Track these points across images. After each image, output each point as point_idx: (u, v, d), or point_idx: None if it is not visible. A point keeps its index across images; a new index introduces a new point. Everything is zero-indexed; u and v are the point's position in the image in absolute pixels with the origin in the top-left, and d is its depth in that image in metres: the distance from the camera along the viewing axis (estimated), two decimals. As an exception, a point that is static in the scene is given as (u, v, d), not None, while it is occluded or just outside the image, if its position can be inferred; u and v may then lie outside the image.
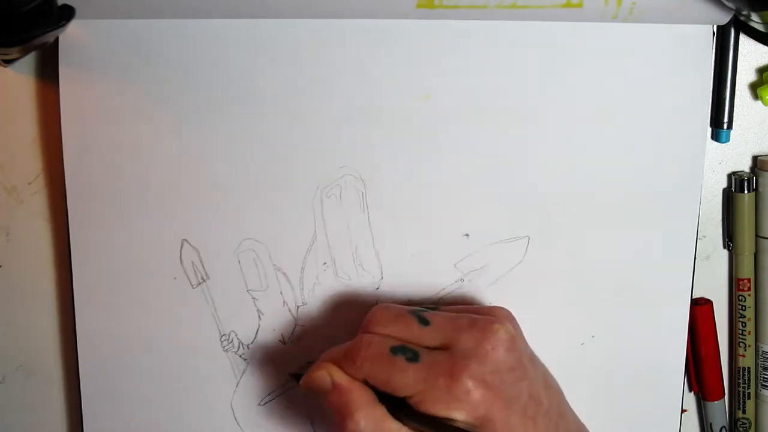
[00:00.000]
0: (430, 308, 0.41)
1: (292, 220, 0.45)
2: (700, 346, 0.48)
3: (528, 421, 0.38)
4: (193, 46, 0.43)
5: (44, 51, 0.44)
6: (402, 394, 0.37)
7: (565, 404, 0.41)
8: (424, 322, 0.39)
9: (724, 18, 0.41)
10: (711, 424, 0.50)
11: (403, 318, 0.39)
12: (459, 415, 0.36)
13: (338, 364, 0.38)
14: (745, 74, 0.46)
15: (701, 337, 0.48)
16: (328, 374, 0.38)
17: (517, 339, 0.39)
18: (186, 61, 0.44)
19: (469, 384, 0.36)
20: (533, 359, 0.40)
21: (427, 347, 0.38)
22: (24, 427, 0.48)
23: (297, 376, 0.41)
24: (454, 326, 0.38)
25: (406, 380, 0.37)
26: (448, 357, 0.37)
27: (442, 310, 0.40)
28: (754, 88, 0.46)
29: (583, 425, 0.42)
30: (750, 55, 0.46)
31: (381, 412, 0.37)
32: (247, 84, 0.44)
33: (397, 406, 0.37)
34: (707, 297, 0.49)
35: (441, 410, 0.36)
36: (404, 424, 0.37)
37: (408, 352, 0.37)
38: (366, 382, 0.38)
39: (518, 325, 0.40)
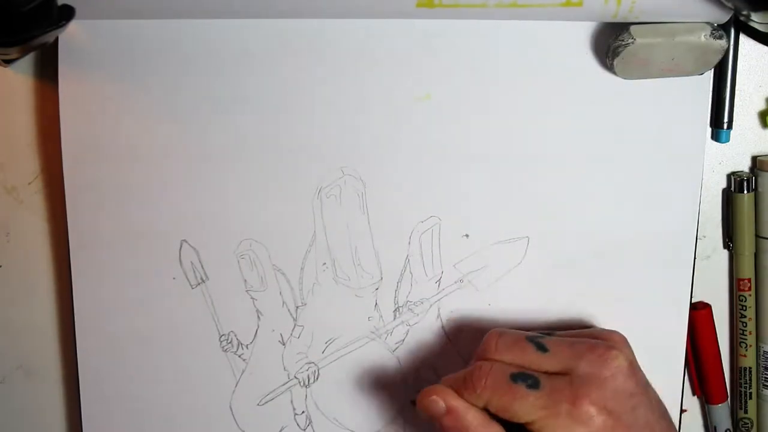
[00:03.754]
0: (545, 334, 0.41)
1: (291, 220, 0.45)
2: (701, 350, 0.48)
3: None
4: (192, 46, 0.43)
5: (44, 51, 0.44)
6: (522, 420, 0.37)
7: None
8: (542, 348, 0.39)
9: (724, 17, 0.41)
10: (715, 427, 0.50)
11: (520, 344, 0.40)
12: None
13: (458, 391, 0.39)
14: (746, 74, 0.46)
15: (702, 340, 0.48)
16: (440, 399, 0.39)
17: (634, 365, 0.39)
18: (185, 62, 0.44)
19: (592, 410, 0.37)
20: (648, 385, 0.40)
21: (546, 373, 0.38)
22: (24, 427, 0.48)
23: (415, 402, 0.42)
24: (573, 352, 0.39)
25: (527, 407, 0.37)
26: (569, 383, 0.38)
27: (557, 335, 0.41)
28: (764, 117, 0.47)
29: None
30: (750, 54, 0.46)
31: (497, 429, 0.38)
32: (247, 84, 0.44)
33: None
34: (708, 297, 0.49)
35: None
36: None
37: (528, 379, 0.38)
38: (486, 410, 0.38)
39: (633, 351, 0.41)
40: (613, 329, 0.42)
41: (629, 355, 0.39)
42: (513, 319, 0.46)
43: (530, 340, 0.40)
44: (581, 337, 0.40)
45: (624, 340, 0.41)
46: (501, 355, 0.40)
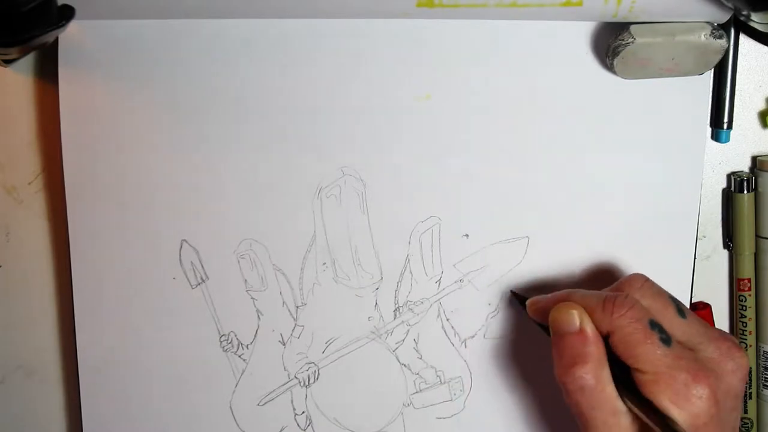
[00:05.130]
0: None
1: (291, 220, 0.45)
2: (701, 348, 0.48)
3: None
4: (193, 46, 0.43)
5: (44, 51, 0.44)
6: (638, 366, 0.37)
7: None
8: (681, 314, 0.39)
9: (724, 17, 0.41)
10: (713, 425, 0.50)
11: (662, 298, 0.39)
12: (680, 414, 0.36)
13: (590, 308, 0.38)
14: (746, 74, 0.46)
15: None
16: (578, 316, 0.38)
17: (748, 373, 0.40)
18: (186, 62, 0.44)
19: (705, 393, 0.37)
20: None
21: (677, 339, 0.38)
22: (24, 427, 0.48)
23: (521, 299, 0.41)
24: (705, 332, 0.39)
25: (652, 356, 0.37)
26: (695, 358, 0.37)
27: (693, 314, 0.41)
28: (764, 117, 0.47)
29: None
30: (750, 54, 0.46)
31: (607, 374, 0.38)
32: (248, 84, 0.44)
33: (618, 375, 0.38)
34: (708, 297, 0.49)
35: (667, 401, 0.36)
36: (620, 394, 0.37)
37: (663, 333, 0.38)
38: (607, 340, 0.38)
39: None
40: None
41: (748, 361, 0.39)
42: (513, 318, 0.46)
43: (672, 300, 0.40)
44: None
45: (742, 347, 0.41)
46: (642, 298, 0.39)
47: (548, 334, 0.40)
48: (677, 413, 0.36)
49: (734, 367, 0.38)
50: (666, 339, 0.37)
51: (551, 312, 0.40)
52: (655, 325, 0.38)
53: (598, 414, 0.37)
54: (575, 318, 0.38)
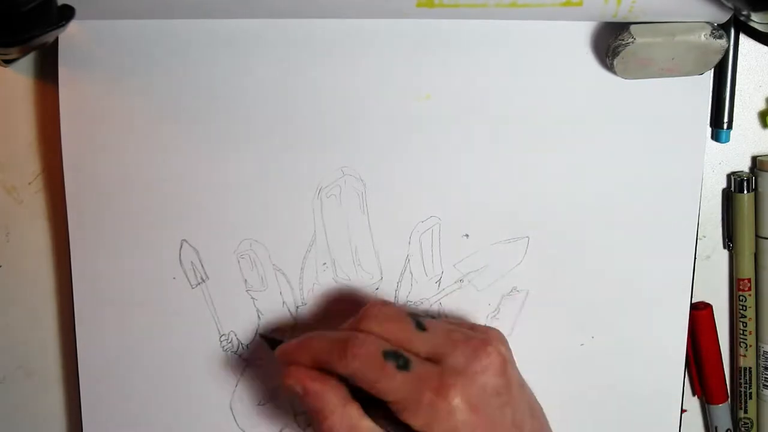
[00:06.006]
0: (430, 317, 0.40)
1: (291, 220, 0.45)
2: (702, 350, 0.48)
3: None
4: (192, 46, 0.43)
5: (44, 51, 0.44)
6: (385, 398, 0.37)
7: None
8: (421, 327, 0.39)
9: (724, 17, 0.41)
10: (716, 427, 0.50)
11: (400, 319, 0.39)
12: None
13: (325, 356, 0.38)
14: (746, 74, 0.46)
15: (702, 341, 0.48)
16: (297, 382, 0.38)
17: (508, 363, 0.38)
18: (185, 62, 0.44)
19: (455, 403, 0.36)
20: (522, 385, 0.40)
21: (417, 355, 0.38)
22: (24, 427, 0.48)
23: (269, 341, 0.41)
24: (449, 339, 0.38)
25: (392, 386, 0.37)
26: (439, 372, 0.37)
27: (438, 321, 0.40)
28: (764, 117, 0.47)
29: None
30: (750, 54, 0.46)
31: (356, 412, 0.37)
32: (247, 84, 0.44)
33: (375, 402, 0.37)
34: (708, 297, 0.49)
35: (420, 424, 0.36)
36: (377, 422, 0.37)
37: (400, 359, 0.37)
38: (346, 380, 0.38)
39: (510, 349, 0.40)
40: (491, 327, 0.41)
41: (504, 352, 0.38)
42: (513, 319, 0.46)
43: (411, 316, 0.39)
44: (462, 327, 0.40)
45: (501, 338, 0.40)
46: (378, 325, 0.38)
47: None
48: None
49: (484, 366, 0.37)
50: (403, 364, 0.37)
51: (282, 379, 0.39)
52: (389, 355, 0.37)
53: None
54: (296, 387, 0.38)
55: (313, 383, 0.38)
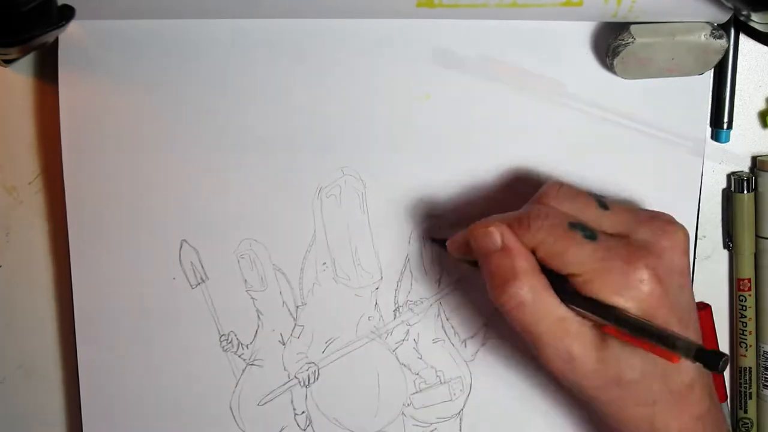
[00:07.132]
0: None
1: (291, 220, 0.45)
2: (701, 349, 0.48)
3: (683, 329, 0.36)
4: (192, 46, 0.43)
5: (44, 51, 0.44)
6: (570, 270, 0.35)
7: None
8: (603, 206, 0.38)
9: (724, 17, 0.41)
10: (714, 426, 0.50)
11: (581, 197, 0.38)
12: (626, 303, 0.35)
13: (509, 227, 0.37)
14: (746, 74, 0.46)
15: (702, 340, 0.48)
16: (498, 233, 0.36)
17: (689, 246, 0.37)
18: (185, 62, 0.44)
19: (644, 275, 0.35)
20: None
21: (603, 232, 0.37)
22: (24, 427, 0.48)
23: (438, 241, 0.40)
24: (634, 217, 0.37)
25: (580, 256, 0.35)
26: (626, 244, 0.36)
27: (619, 201, 0.39)
28: (764, 117, 0.47)
29: None
30: (750, 54, 0.46)
31: (544, 283, 0.36)
32: (247, 84, 0.44)
33: (557, 286, 0.36)
34: (708, 297, 0.49)
35: (609, 294, 0.35)
36: (563, 301, 0.36)
37: (586, 230, 0.36)
38: (533, 253, 0.36)
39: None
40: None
41: (687, 233, 0.37)
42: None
43: (592, 195, 0.38)
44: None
45: (680, 223, 0.38)
46: (560, 203, 0.37)
47: (478, 268, 0.38)
48: (623, 302, 0.35)
49: (671, 244, 0.36)
50: (590, 235, 0.36)
51: (470, 238, 0.38)
52: (575, 226, 0.36)
53: (543, 326, 0.36)
54: (495, 235, 0.36)
55: (514, 240, 0.36)
